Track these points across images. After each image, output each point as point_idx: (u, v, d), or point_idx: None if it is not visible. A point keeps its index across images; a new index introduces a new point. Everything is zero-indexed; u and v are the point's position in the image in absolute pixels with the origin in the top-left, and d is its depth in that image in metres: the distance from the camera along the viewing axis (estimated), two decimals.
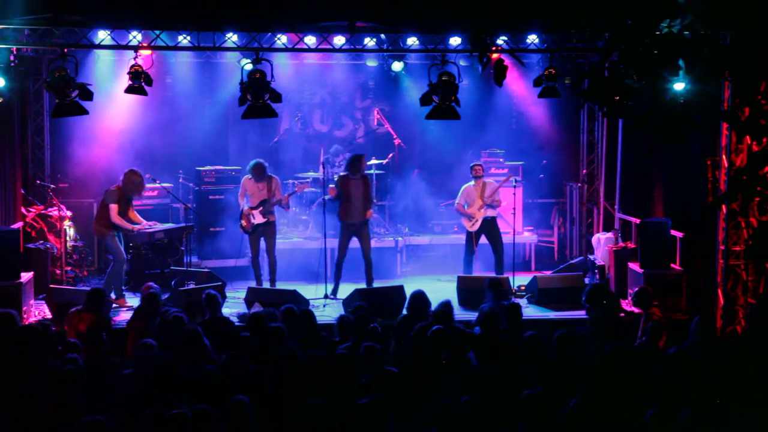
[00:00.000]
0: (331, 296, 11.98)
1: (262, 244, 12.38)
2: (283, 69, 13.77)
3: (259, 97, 10.91)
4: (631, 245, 12.46)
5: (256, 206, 12.26)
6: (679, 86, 5.22)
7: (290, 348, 7.54)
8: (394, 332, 8.87)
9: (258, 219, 12.25)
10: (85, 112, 10.91)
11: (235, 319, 10.45)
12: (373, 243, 12.88)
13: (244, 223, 12.32)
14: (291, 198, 12.74)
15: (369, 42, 11.93)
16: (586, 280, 12.77)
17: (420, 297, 9.47)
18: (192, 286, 11.35)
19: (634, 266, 11.85)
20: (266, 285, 12.27)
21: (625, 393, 7.00)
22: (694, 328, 8.38)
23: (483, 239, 12.93)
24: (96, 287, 10.04)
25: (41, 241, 12.40)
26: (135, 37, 11.25)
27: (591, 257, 13.59)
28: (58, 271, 12.53)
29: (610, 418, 6.53)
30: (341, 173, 12.66)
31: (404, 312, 9.76)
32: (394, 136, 14.87)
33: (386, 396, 6.69)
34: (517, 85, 14.72)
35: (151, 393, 6.79)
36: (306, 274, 13.01)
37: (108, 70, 13.44)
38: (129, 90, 11.46)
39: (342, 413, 6.44)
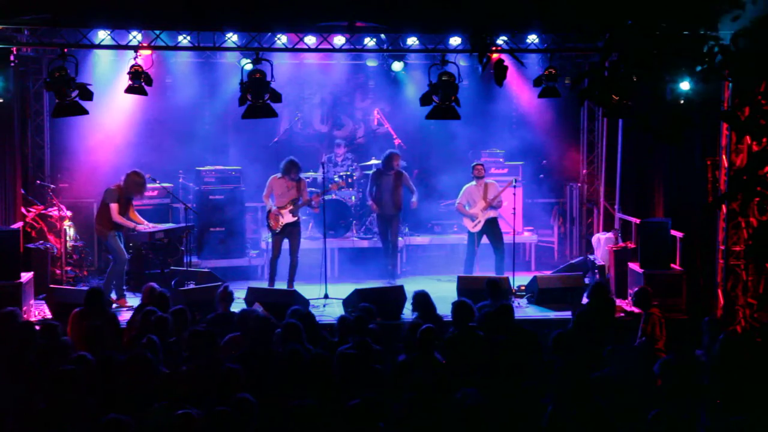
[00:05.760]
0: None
1: (285, 244, 12.40)
2: (283, 69, 13.77)
3: (259, 97, 10.91)
4: (631, 245, 12.46)
5: (284, 206, 12.28)
6: (679, 86, 5.22)
7: (294, 347, 7.53)
8: (404, 337, 8.75)
9: (287, 218, 12.29)
10: (85, 112, 10.91)
11: None
12: (374, 243, 12.92)
13: (272, 223, 12.33)
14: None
15: (369, 42, 11.94)
16: (586, 280, 12.78)
17: (425, 297, 9.50)
18: (192, 286, 11.35)
19: (634, 266, 11.85)
20: (282, 286, 12.30)
21: (625, 394, 6.99)
22: (705, 329, 8.40)
23: (483, 239, 12.94)
24: (94, 287, 10.01)
25: (41, 241, 12.40)
26: (135, 37, 11.25)
27: (591, 257, 13.59)
28: (58, 271, 12.53)
29: (612, 420, 6.52)
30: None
31: (414, 315, 9.68)
32: (394, 136, 14.88)
33: (379, 396, 6.68)
34: (517, 85, 14.73)
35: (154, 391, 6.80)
36: (306, 274, 13.01)
37: (108, 70, 13.44)
38: (129, 90, 11.47)
39: (335, 413, 6.43)
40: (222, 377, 6.80)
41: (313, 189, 13.93)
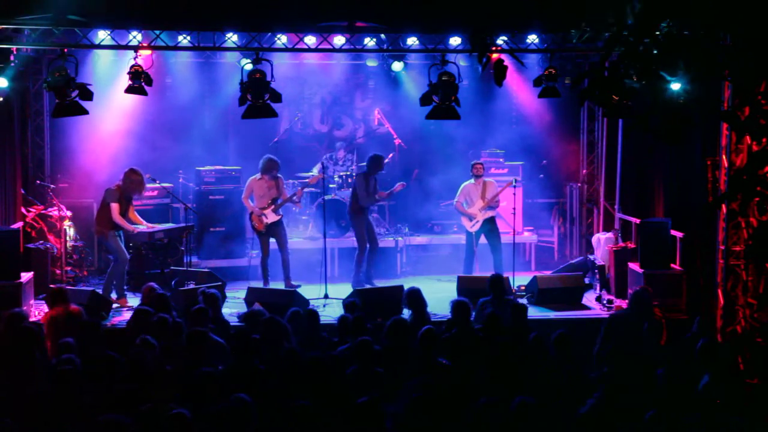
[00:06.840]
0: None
1: (273, 244, 12.40)
2: (283, 69, 13.76)
3: (259, 97, 10.91)
4: (631, 245, 12.45)
5: (267, 206, 12.28)
6: (678, 86, 5.22)
7: (291, 348, 7.53)
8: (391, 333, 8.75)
9: (271, 218, 12.32)
10: (85, 112, 10.91)
11: (234, 319, 10.46)
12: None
13: (256, 224, 12.34)
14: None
15: (369, 42, 11.94)
16: (587, 280, 12.78)
17: (417, 294, 9.52)
18: (192, 286, 11.35)
19: (634, 266, 11.85)
20: (278, 285, 12.23)
21: (626, 394, 6.98)
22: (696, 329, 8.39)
23: (482, 239, 12.94)
24: (59, 287, 10.01)
25: (41, 241, 12.40)
26: (135, 37, 11.25)
27: (591, 257, 13.58)
28: (58, 271, 12.53)
29: (610, 420, 6.52)
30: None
31: (407, 311, 9.73)
32: (394, 136, 14.87)
33: (383, 396, 6.68)
34: (517, 85, 14.72)
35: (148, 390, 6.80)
36: (306, 274, 13.00)
37: (108, 70, 13.44)
38: (129, 90, 11.47)
39: (339, 413, 6.43)
40: (197, 380, 6.80)
41: (314, 189, 13.96)
